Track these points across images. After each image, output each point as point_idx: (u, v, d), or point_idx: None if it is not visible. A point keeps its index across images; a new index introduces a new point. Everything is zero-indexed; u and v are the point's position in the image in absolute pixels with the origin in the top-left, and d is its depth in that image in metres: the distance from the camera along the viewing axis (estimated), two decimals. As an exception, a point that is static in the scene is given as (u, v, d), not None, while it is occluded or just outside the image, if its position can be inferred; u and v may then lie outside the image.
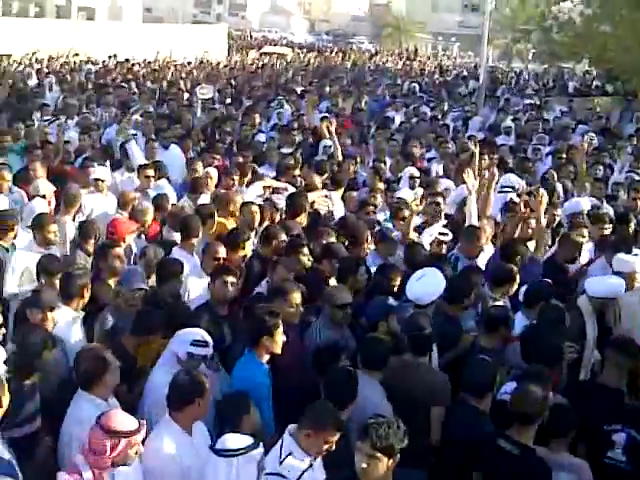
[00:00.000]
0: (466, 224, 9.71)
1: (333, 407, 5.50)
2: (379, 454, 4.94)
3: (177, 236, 9.14)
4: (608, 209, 11.89)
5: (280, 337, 6.45)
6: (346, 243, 9.05)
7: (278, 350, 6.47)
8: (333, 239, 8.99)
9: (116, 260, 7.97)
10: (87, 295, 7.22)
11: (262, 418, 6.01)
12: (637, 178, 13.87)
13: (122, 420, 5.06)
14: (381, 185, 11.90)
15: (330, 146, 14.02)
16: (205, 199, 10.62)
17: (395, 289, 8.02)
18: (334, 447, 5.35)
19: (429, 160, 14.78)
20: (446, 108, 23.10)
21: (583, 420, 6.07)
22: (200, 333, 6.37)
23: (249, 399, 5.89)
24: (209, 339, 6.37)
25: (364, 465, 4.95)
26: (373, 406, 5.97)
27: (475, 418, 6.20)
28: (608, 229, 10.27)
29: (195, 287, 8.10)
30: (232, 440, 5.07)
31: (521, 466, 5.65)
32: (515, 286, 8.19)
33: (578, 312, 7.97)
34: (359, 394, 6.01)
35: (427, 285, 7.58)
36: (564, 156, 14.86)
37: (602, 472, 6.07)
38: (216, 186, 11.30)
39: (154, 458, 5.33)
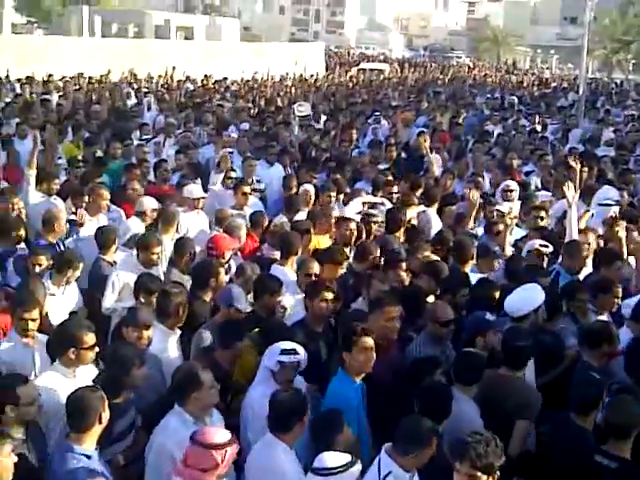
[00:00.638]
0: (567, 238, 9.53)
1: (428, 421, 5.44)
2: (479, 473, 4.84)
3: (276, 254, 9.20)
4: None
5: (361, 354, 6.32)
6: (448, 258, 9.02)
7: (362, 367, 6.36)
8: (429, 254, 8.95)
9: (220, 277, 8.07)
10: (184, 313, 7.25)
11: (355, 435, 5.99)
12: None
13: (216, 432, 5.11)
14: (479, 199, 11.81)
15: (430, 162, 14.06)
16: (302, 216, 10.66)
17: (494, 304, 7.89)
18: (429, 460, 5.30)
19: (527, 173, 14.60)
20: (545, 121, 22.75)
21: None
22: (288, 342, 6.37)
23: (341, 417, 5.88)
24: (299, 348, 6.36)
25: None
26: (467, 422, 5.93)
27: (581, 438, 6.06)
28: None
29: (292, 304, 8.09)
30: (330, 459, 5.07)
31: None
32: (615, 298, 7.99)
33: None
34: (453, 409, 5.95)
35: (523, 297, 7.47)
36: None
37: None
38: (314, 203, 11.33)
39: (265, 476, 5.38)
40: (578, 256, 8.99)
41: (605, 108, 27.39)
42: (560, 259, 9.23)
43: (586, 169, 12.69)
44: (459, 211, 11.23)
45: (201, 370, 5.81)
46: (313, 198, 11.30)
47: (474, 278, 8.69)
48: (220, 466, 4.94)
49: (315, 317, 7.46)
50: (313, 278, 8.09)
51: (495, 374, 6.69)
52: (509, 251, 9.58)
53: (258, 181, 12.72)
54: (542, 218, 10.44)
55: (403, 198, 11.47)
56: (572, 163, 11.57)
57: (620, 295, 8.03)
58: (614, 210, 10.71)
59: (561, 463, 6.05)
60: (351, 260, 9.02)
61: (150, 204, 10.33)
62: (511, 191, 11.84)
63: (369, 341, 6.34)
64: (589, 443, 6.03)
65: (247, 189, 11.35)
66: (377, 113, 21.73)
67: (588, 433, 6.10)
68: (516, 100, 28.74)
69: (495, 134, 18.95)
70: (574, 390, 6.32)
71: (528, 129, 20.24)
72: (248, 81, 32.75)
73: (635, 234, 9.61)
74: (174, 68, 32.45)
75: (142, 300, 7.62)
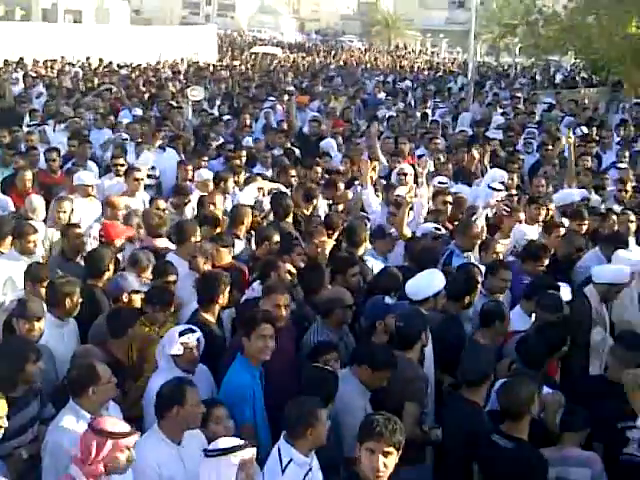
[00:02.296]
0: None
1: (310, 398, 5.46)
2: (393, 449, 4.87)
3: (157, 241, 9.10)
4: (596, 200, 12.01)
5: (260, 340, 6.31)
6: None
7: (260, 353, 6.34)
8: (325, 238, 9.00)
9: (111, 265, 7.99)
10: (74, 304, 7.08)
11: (243, 421, 6.05)
12: (623, 166, 13.95)
13: (113, 422, 5.02)
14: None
15: (332, 146, 14.30)
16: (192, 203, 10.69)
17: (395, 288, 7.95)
18: (325, 443, 5.36)
19: (419, 157, 14.78)
20: (436, 105, 23.10)
21: (596, 419, 6.12)
22: (181, 325, 6.35)
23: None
24: (194, 327, 6.40)
25: (382, 463, 4.85)
26: (351, 404, 6.14)
27: (469, 410, 6.21)
28: (586, 225, 10.31)
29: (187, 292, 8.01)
30: (222, 441, 5.06)
31: (517, 460, 5.68)
32: (503, 282, 8.25)
33: (586, 300, 8.06)
34: (340, 391, 6.04)
35: (421, 280, 7.55)
36: (551, 148, 14.92)
37: (620, 469, 6.13)
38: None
39: (134, 466, 5.21)
40: (469, 235, 9.25)
41: (494, 91, 27.95)
42: (454, 240, 9.45)
43: (475, 151, 13.16)
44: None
45: (98, 363, 5.67)
46: (211, 185, 11.26)
47: (373, 261, 8.85)
48: (92, 456, 4.84)
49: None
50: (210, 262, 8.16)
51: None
52: (408, 233, 9.68)
53: (152, 167, 12.53)
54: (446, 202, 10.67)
55: (301, 183, 11.56)
56: (475, 154, 12.02)
57: (508, 277, 8.27)
58: (500, 195, 11.00)
59: (454, 439, 6.20)
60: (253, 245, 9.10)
61: (38, 202, 10.02)
62: (405, 174, 11.98)
63: (268, 328, 6.35)
64: (480, 417, 6.19)
65: (139, 175, 11.15)
66: (271, 98, 21.72)
67: (478, 407, 6.25)
68: (409, 84, 29.08)
69: (386, 117, 19.16)
70: (462, 364, 6.45)
71: (419, 113, 20.52)
72: (139, 65, 32.21)
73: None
74: (63, 58, 31.74)
75: (30, 290, 7.43)
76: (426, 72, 41.08)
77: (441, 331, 7.31)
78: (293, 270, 8.01)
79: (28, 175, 11.08)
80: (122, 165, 11.88)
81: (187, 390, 5.51)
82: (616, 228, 10.18)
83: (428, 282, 7.53)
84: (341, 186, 11.51)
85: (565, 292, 8.03)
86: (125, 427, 5.01)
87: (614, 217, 10.45)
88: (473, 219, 9.95)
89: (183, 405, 5.45)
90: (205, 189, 11.23)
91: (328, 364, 6.39)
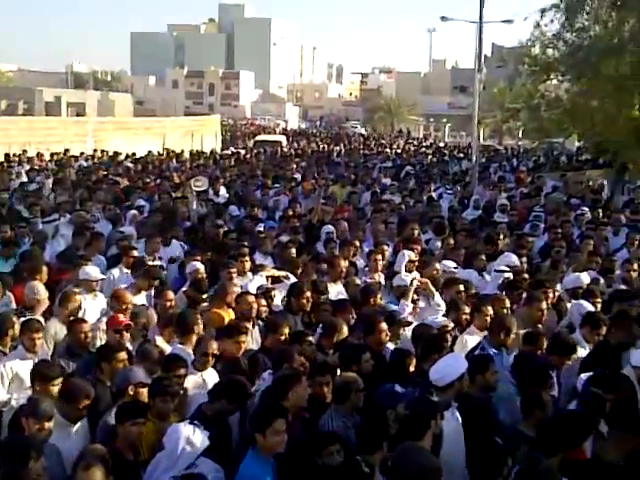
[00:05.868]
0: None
1: None
2: None
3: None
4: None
5: (275, 435, 6.23)
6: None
7: (275, 447, 6.26)
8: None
9: (120, 363, 7.84)
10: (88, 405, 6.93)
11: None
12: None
13: None
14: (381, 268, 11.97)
15: (332, 232, 14.14)
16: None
17: (410, 372, 7.93)
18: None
19: (427, 241, 14.70)
20: (440, 189, 23.14)
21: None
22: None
23: None
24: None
25: None
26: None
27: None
28: (599, 302, 10.26)
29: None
30: None
31: None
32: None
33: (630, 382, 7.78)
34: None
35: (446, 366, 7.37)
36: (559, 231, 14.85)
37: None
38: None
39: None
40: (501, 331, 8.82)
41: (498, 175, 28.04)
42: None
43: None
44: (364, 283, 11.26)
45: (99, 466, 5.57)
46: (204, 275, 11.16)
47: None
48: None
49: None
50: (210, 357, 7.98)
51: (403, 446, 6.59)
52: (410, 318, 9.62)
53: (160, 258, 12.49)
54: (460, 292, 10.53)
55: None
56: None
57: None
58: (508, 276, 10.97)
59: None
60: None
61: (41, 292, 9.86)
62: (413, 262, 11.89)
63: (283, 422, 6.27)
64: None
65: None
66: (277, 185, 21.79)
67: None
68: (412, 169, 29.23)
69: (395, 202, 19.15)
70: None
71: (425, 197, 20.51)
72: (141, 157, 32.33)
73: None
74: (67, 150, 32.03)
75: (38, 389, 7.28)
76: (429, 157, 41.39)
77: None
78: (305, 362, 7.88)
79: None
80: (134, 257, 11.84)
81: None
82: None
83: (452, 366, 7.38)
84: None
85: None
86: None
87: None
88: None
89: None
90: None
91: (332, 456, 6.30)
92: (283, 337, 8.65)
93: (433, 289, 10.36)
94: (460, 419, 7.12)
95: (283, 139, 52.08)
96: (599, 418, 6.97)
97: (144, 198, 18.54)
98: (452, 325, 9.39)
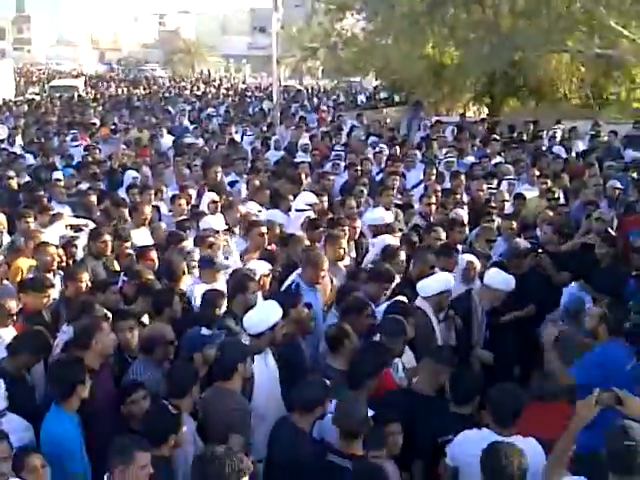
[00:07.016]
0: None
1: (137, 440, 5.37)
2: None
3: None
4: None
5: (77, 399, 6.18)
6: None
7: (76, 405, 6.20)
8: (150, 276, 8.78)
9: None
10: None
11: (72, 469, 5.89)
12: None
13: None
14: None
15: (137, 177, 13.99)
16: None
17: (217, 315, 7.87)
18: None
19: (232, 183, 14.67)
20: (244, 130, 23.14)
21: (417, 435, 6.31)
22: None
23: None
24: None
25: None
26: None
27: (295, 436, 6.17)
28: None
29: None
30: None
31: (357, 476, 5.65)
32: None
33: (422, 312, 8.18)
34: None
35: (259, 315, 7.24)
36: (359, 168, 15.19)
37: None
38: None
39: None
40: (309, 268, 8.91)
41: (300, 115, 28.25)
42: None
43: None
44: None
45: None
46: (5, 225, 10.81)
47: (199, 288, 8.64)
48: None
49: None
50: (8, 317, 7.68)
51: (213, 389, 6.68)
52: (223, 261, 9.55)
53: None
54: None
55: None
56: None
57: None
58: (308, 215, 11.11)
59: (278, 459, 6.21)
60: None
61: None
62: (215, 202, 11.89)
63: (84, 389, 6.21)
64: (300, 438, 6.15)
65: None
66: (74, 131, 21.18)
67: (302, 431, 6.19)
68: (214, 111, 29.04)
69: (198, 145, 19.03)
70: (296, 389, 6.40)
71: (227, 139, 20.47)
72: None
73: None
74: None
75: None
76: (230, 99, 41.27)
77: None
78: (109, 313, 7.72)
79: None
80: None
81: None
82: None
83: (265, 315, 7.23)
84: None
85: None
86: None
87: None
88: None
89: None
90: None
91: (137, 403, 6.33)
92: (83, 284, 8.43)
93: None
94: (275, 364, 7.17)
95: (80, 83, 50.55)
96: (399, 343, 7.34)
97: None
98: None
